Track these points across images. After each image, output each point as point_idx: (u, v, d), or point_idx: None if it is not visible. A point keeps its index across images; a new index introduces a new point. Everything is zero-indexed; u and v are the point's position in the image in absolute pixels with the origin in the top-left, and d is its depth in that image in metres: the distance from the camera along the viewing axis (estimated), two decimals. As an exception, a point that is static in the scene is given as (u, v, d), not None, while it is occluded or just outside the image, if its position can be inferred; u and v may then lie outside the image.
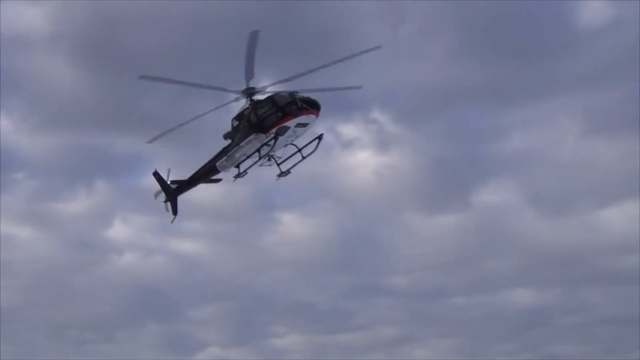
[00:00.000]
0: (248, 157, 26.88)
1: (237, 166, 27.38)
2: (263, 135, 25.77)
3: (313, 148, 27.48)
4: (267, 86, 26.37)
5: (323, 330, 73.92)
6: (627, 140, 70.63)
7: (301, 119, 25.23)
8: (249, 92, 26.32)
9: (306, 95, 25.65)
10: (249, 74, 25.34)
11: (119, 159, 74.87)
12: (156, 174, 30.74)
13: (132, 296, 74.58)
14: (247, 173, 27.35)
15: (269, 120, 25.64)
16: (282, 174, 27.56)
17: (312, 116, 25.35)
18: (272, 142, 25.89)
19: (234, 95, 26.76)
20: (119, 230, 76.69)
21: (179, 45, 60.98)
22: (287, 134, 25.68)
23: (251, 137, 26.10)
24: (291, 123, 25.30)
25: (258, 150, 26.38)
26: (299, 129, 25.81)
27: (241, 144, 26.51)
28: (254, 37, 23.48)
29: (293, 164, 27.65)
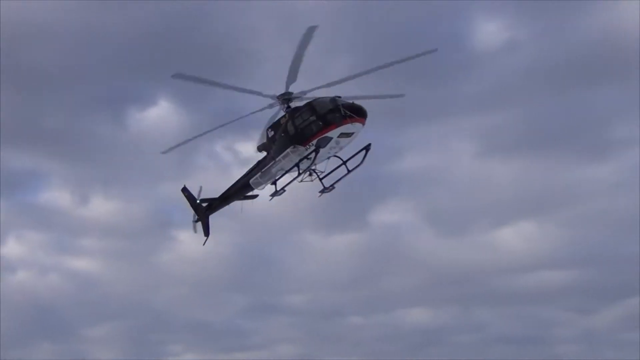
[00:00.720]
0: (286, 172, 24.22)
1: (274, 182, 24.87)
2: (302, 148, 23.16)
3: (360, 160, 24.80)
4: (307, 91, 23.80)
5: (219, 349, 72.86)
6: (521, 161, 73.42)
7: (345, 128, 22.56)
8: (286, 98, 23.86)
9: (350, 101, 23.13)
10: (292, 77, 22.90)
11: (14, 175, 73.29)
12: (185, 190, 28.42)
13: (25, 315, 72.59)
14: (284, 190, 24.66)
15: (308, 131, 22.97)
16: (326, 189, 25.04)
17: (358, 125, 22.76)
18: (312, 155, 23.26)
19: (269, 101, 24.26)
20: (12, 248, 74.72)
21: (75, 60, 60.94)
22: (329, 145, 23.07)
23: (288, 150, 23.46)
24: (334, 133, 22.66)
25: (297, 165, 23.73)
26: (343, 140, 23.18)
27: (277, 158, 23.98)
28: (309, 34, 21.15)
29: (337, 178, 25.02)
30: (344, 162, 24.69)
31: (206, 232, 27.76)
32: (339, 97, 22.92)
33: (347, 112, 22.30)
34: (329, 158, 24.35)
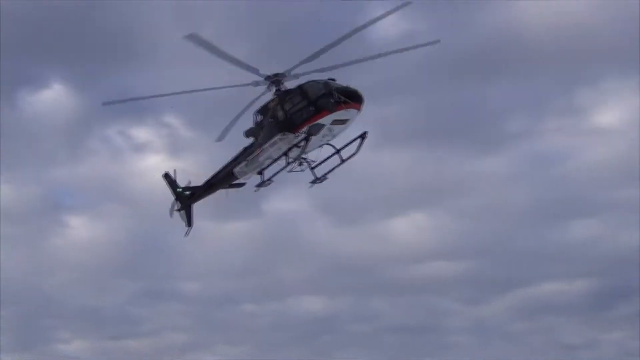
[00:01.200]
0: (274, 161, 22.72)
1: (261, 172, 23.22)
2: (292, 135, 21.65)
3: (355, 149, 23.12)
4: (301, 74, 21.87)
5: (110, 336, 73.16)
6: (415, 153, 73.60)
7: (339, 114, 20.96)
8: (276, 79, 21.99)
9: (344, 84, 21.44)
10: (313, 57, 21.12)
11: None
12: (167, 176, 26.37)
13: None
14: (272, 181, 23.23)
15: (298, 117, 21.38)
16: (317, 180, 23.34)
17: (353, 111, 21.13)
18: (302, 144, 21.65)
19: (255, 78, 22.07)
20: None
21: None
22: (321, 133, 21.49)
23: (277, 137, 21.95)
24: (326, 120, 21.07)
25: (285, 154, 22.30)
26: (337, 127, 21.62)
27: (265, 146, 22.33)
28: (392, 10, 20.39)
29: (330, 168, 23.30)
30: (338, 151, 23.16)
31: (189, 222, 25.88)
32: (333, 79, 21.32)
33: (340, 97, 20.70)
34: (321, 146, 22.72)
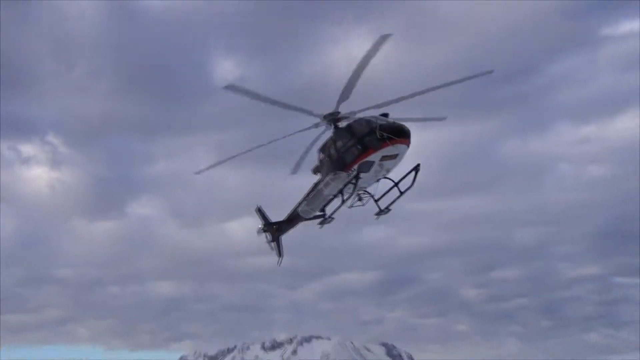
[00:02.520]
0: (332, 197, 23.24)
1: (323, 209, 23.73)
2: (344, 174, 21.94)
3: (410, 181, 23.00)
4: (357, 111, 22.28)
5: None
6: (247, 169, 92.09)
7: (387, 150, 21.01)
8: (332, 118, 22.50)
9: (391, 120, 21.61)
10: (345, 94, 21.51)
11: None
12: (259, 211, 27.41)
13: None
14: (333, 219, 23.59)
15: (349, 155, 21.70)
16: (382, 212, 23.41)
17: (402, 146, 21.09)
18: (354, 181, 21.98)
19: (314, 120, 22.85)
20: None
21: None
22: (372, 169, 21.62)
23: (329, 177, 22.57)
24: (374, 157, 21.21)
25: (341, 191, 22.54)
26: (388, 162, 21.61)
27: (320, 185, 23.10)
28: (380, 42, 19.72)
29: (392, 200, 23.43)
30: (396, 184, 23.25)
31: (280, 253, 27.11)
32: (386, 114, 21.60)
33: (384, 134, 20.70)
34: (378, 180, 22.89)
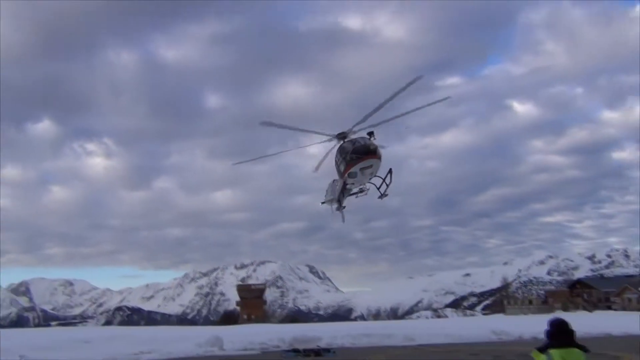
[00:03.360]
0: (339, 194, 27.29)
1: (339, 200, 27.65)
2: (340, 180, 26.17)
3: (389, 180, 26.94)
4: (357, 131, 25.40)
5: None
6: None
7: (361, 164, 24.46)
8: (341, 136, 25.85)
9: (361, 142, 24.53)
10: (364, 119, 24.25)
11: None
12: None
13: None
14: (344, 207, 27.92)
15: (340, 167, 25.55)
16: (383, 195, 27.16)
17: (372, 160, 24.44)
18: (347, 185, 26.33)
19: (329, 137, 26.25)
20: None
21: None
22: (357, 177, 25.24)
23: (333, 181, 26.99)
24: (355, 169, 24.78)
25: (342, 190, 26.91)
26: (367, 171, 24.81)
27: (328, 188, 27.89)
28: (413, 82, 22.36)
29: (384, 190, 27.00)
30: (383, 180, 26.65)
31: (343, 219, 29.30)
32: (371, 132, 24.62)
33: (353, 155, 24.39)
34: (370, 180, 26.18)
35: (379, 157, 24.64)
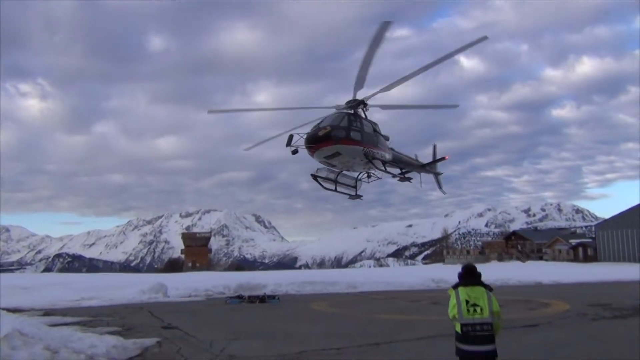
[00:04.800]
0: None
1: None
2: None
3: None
4: (342, 104, 23.77)
5: None
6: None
7: (319, 153, 22.53)
8: (352, 105, 23.71)
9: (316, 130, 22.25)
10: (359, 83, 22.21)
11: None
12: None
13: None
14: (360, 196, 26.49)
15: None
16: (404, 179, 26.70)
17: (328, 148, 22.16)
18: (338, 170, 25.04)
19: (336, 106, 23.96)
20: None
21: None
22: (332, 163, 23.76)
23: None
24: (316, 158, 23.07)
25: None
26: (334, 160, 23.18)
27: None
28: (383, 30, 19.85)
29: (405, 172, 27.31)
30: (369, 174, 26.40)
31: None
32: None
33: (308, 146, 22.16)
34: (369, 169, 25.29)
35: (338, 141, 22.07)
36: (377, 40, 20.13)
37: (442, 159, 31.56)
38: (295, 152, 22.97)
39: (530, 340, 12.62)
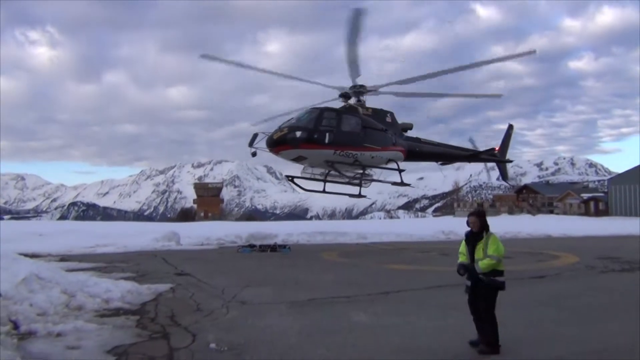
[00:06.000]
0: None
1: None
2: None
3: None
4: (378, 86, 22.98)
5: None
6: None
7: (281, 155, 21.62)
8: (353, 92, 22.74)
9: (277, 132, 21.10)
10: (353, 71, 21.03)
11: None
12: None
13: None
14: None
15: None
16: (402, 184, 24.41)
17: (288, 152, 21.19)
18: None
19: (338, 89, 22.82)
20: None
21: None
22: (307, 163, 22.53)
23: None
24: (283, 158, 21.95)
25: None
26: (303, 162, 22.32)
27: None
28: (357, 17, 18.65)
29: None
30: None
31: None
32: (286, 127, 21.04)
33: (269, 147, 21.05)
34: (363, 169, 23.40)
35: (297, 145, 20.35)
36: (354, 29, 19.04)
37: (492, 149, 29.63)
38: (254, 154, 21.62)
39: (536, 292, 12.76)
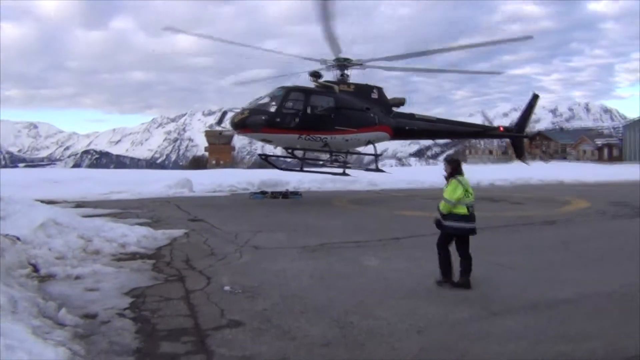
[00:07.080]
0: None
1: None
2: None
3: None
4: (365, 60, 21.93)
5: None
6: None
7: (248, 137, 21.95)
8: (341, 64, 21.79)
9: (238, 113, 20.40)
10: (333, 44, 19.94)
11: None
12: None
13: None
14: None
15: None
16: (377, 170, 23.50)
17: (246, 134, 21.20)
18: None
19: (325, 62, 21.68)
20: None
21: None
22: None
23: None
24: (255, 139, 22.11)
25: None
26: (267, 142, 21.55)
27: None
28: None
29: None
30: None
31: None
32: (246, 110, 20.12)
33: (233, 128, 20.73)
34: (348, 152, 22.56)
35: (258, 129, 19.52)
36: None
37: (497, 128, 27.91)
38: (220, 133, 20.33)
39: (547, 236, 12.84)
